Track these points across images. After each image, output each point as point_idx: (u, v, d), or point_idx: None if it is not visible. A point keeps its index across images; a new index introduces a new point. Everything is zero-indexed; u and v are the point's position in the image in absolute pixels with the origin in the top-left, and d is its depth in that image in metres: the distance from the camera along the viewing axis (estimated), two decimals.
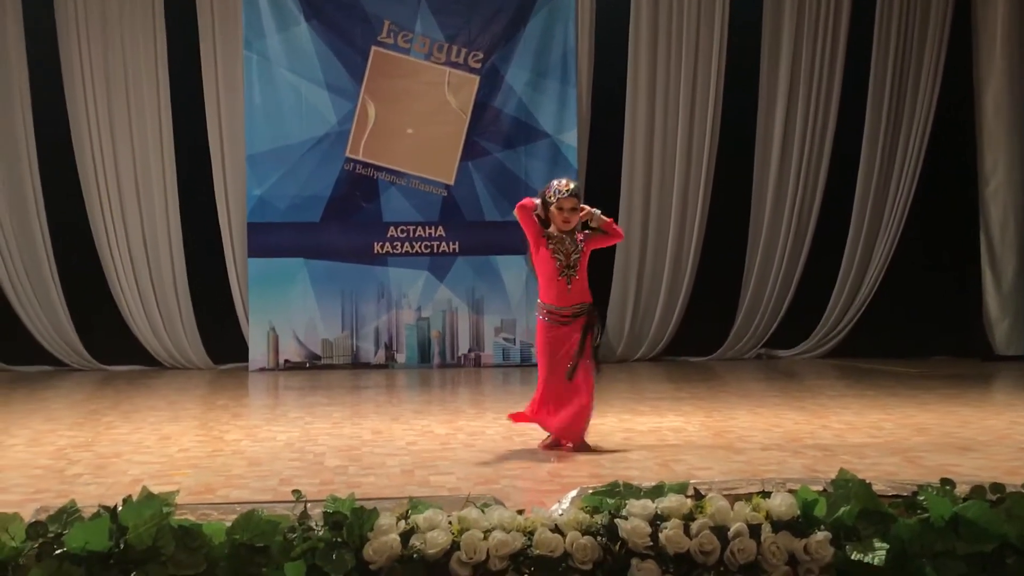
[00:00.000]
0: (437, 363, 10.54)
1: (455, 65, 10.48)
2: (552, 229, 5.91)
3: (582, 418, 5.87)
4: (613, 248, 10.70)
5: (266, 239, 10.29)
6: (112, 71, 10.20)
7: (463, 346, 10.57)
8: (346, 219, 10.41)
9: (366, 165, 10.42)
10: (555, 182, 5.95)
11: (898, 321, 10.89)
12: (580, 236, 5.93)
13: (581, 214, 5.89)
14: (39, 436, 6.51)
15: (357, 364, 10.42)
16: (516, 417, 6.09)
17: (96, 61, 10.16)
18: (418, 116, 10.48)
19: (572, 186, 5.89)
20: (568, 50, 10.54)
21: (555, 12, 10.50)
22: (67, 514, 3.32)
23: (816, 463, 5.50)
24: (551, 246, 5.88)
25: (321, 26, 10.30)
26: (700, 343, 10.92)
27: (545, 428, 5.97)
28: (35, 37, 10.13)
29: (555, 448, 5.91)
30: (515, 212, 5.93)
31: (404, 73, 10.43)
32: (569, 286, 5.88)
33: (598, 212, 5.92)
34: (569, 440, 5.92)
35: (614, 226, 6.00)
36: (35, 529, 3.24)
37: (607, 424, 6.83)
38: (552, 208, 5.87)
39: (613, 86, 10.72)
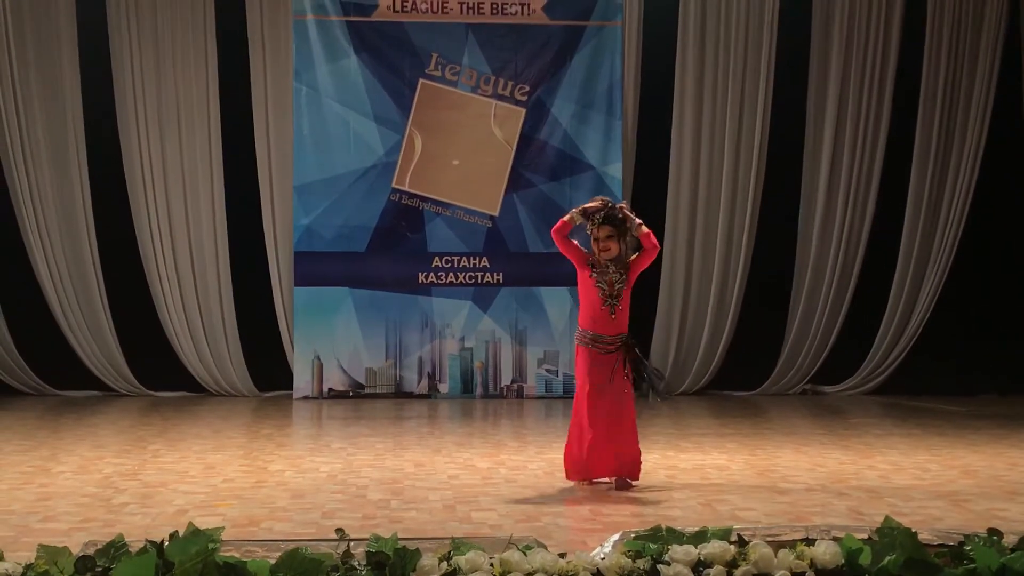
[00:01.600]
0: (480, 394, 10.55)
1: (501, 97, 10.55)
2: (595, 256, 5.86)
3: (637, 456, 5.85)
4: (657, 281, 10.72)
5: (312, 268, 10.38)
6: (164, 100, 10.36)
7: (506, 377, 10.58)
8: (391, 249, 10.49)
9: (412, 196, 10.50)
10: (590, 205, 5.86)
11: (946, 358, 10.76)
12: (627, 261, 5.85)
13: (628, 225, 5.79)
14: (87, 463, 6.60)
15: (400, 393, 10.46)
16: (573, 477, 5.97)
17: (149, 91, 10.33)
18: (464, 148, 10.55)
19: (602, 213, 5.77)
20: (614, 83, 10.57)
21: (601, 46, 10.55)
22: (114, 548, 3.37)
23: (861, 505, 5.45)
24: (595, 274, 5.82)
25: (370, 58, 10.42)
26: (745, 378, 10.86)
27: (600, 474, 5.86)
28: (89, 67, 10.31)
29: (624, 488, 5.82)
30: (554, 239, 5.90)
31: (451, 105, 10.52)
32: (613, 315, 5.83)
33: (636, 221, 5.85)
34: (624, 474, 5.83)
35: (650, 238, 5.85)
36: (83, 563, 3.30)
37: (650, 461, 6.79)
38: (591, 235, 5.85)
39: (659, 119, 10.73)
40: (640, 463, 5.91)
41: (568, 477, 5.94)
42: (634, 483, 5.85)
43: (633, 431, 5.87)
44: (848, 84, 10.75)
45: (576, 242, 5.96)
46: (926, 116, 10.82)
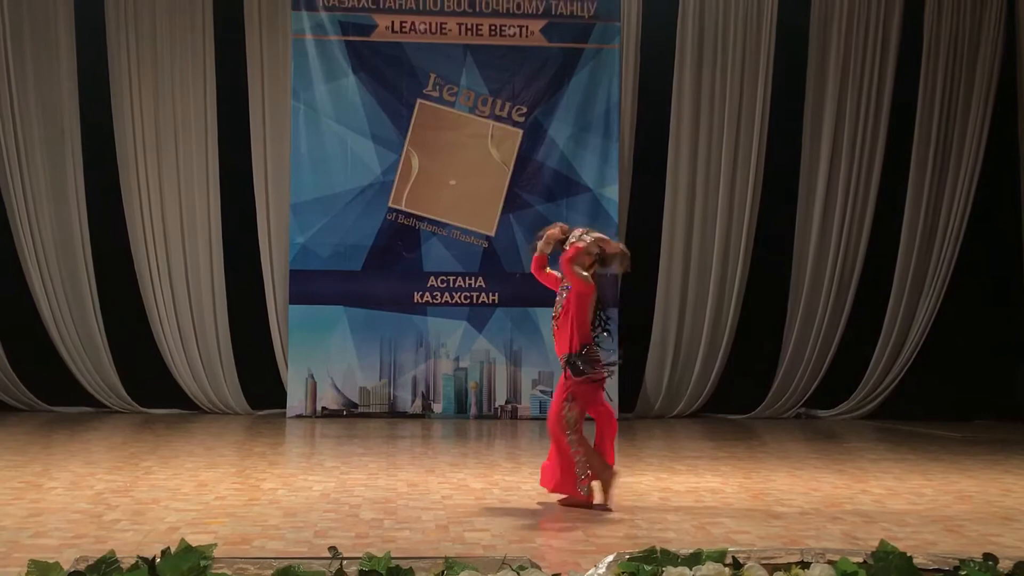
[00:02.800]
0: (474, 414, 10.53)
1: (499, 118, 10.57)
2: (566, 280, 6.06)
3: (568, 471, 5.88)
4: (653, 302, 10.73)
5: (308, 286, 10.37)
6: (162, 118, 10.37)
7: (500, 397, 10.56)
8: (387, 268, 10.49)
9: (408, 215, 10.51)
10: (551, 232, 6.19)
11: (940, 383, 10.77)
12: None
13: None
14: (79, 480, 6.57)
15: (394, 413, 10.44)
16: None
17: (147, 108, 10.34)
18: (461, 168, 10.56)
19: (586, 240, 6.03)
20: (611, 105, 10.61)
21: (599, 68, 10.59)
22: (106, 564, 3.35)
23: (855, 529, 5.43)
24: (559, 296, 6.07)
25: (368, 78, 10.44)
26: (739, 401, 10.85)
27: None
28: (87, 84, 10.32)
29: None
30: (535, 276, 6.18)
31: (448, 125, 10.54)
32: (554, 336, 6.04)
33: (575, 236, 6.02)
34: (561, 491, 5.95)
35: (566, 268, 5.98)
36: None
37: (644, 483, 6.79)
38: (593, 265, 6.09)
39: (655, 142, 10.76)
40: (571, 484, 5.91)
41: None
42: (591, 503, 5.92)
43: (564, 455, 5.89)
44: (844, 105, 10.79)
45: (552, 272, 6.15)
46: (922, 140, 10.86)
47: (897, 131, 10.87)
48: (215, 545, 3.41)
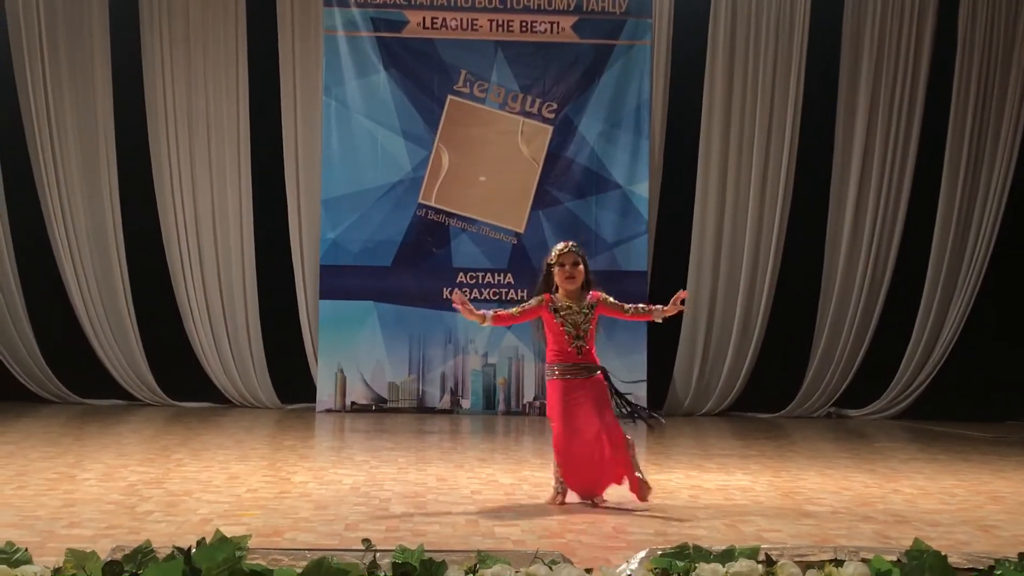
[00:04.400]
0: (502, 410, 10.55)
1: (529, 115, 10.58)
2: (560, 294, 5.87)
3: (605, 472, 5.81)
4: (683, 301, 10.67)
5: (338, 282, 10.42)
6: (194, 113, 10.45)
7: (528, 394, 10.57)
8: (417, 264, 10.51)
9: (438, 211, 10.53)
10: (555, 246, 5.98)
11: (972, 383, 10.69)
12: (589, 300, 5.86)
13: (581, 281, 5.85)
14: (111, 471, 6.62)
15: (422, 408, 10.47)
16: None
17: (179, 103, 10.42)
18: (491, 164, 10.58)
19: (571, 243, 5.92)
20: (642, 102, 10.59)
21: (630, 65, 10.57)
22: (142, 554, 3.38)
23: (887, 529, 5.40)
24: (559, 318, 5.83)
25: (399, 74, 10.47)
26: (769, 399, 10.81)
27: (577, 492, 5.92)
28: (121, 79, 10.42)
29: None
30: (518, 319, 5.94)
31: (478, 122, 10.55)
32: (580, 355, 5.84)
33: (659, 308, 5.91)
34: (621, 481, 5.86)
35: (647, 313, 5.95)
36: (111, 568, 3.31)
37: (674, 481, 6.78)
38: (555, 268, 5.88)
39: (686, 139, 10.73)
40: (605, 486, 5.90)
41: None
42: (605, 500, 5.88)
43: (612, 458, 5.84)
44: (877, 104, 10.73)
45: (520, 308, 5.92)
46: (955, 138, 10.77)
47: (930, 129, 10.79)
48: (250, 537, 3.43)
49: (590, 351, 5.87)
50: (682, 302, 5.88)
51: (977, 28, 10.74)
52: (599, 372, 5.85)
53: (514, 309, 5.96)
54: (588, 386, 5.83)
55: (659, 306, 5.97)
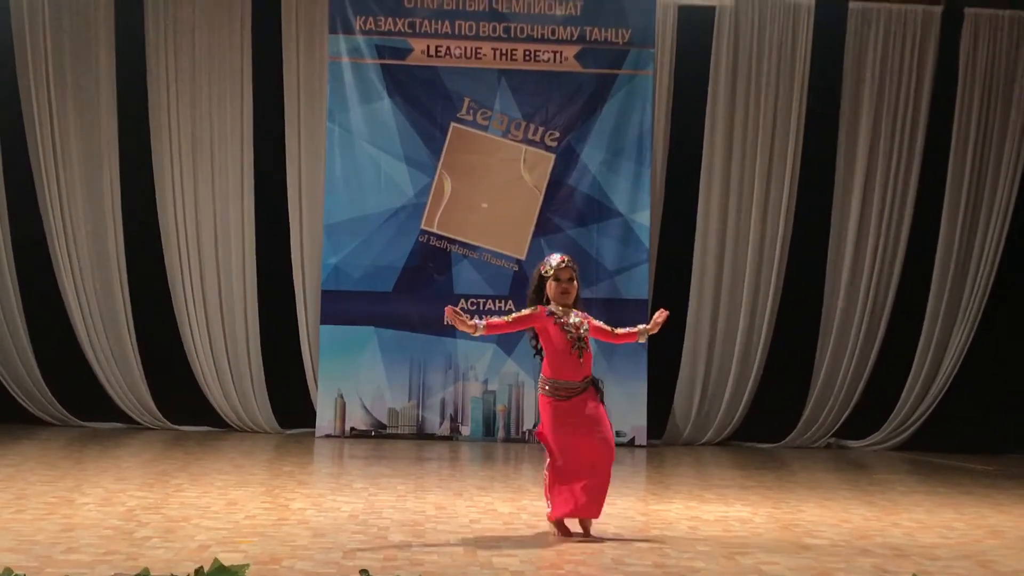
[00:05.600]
0: (501, 437, 10.53)
1: (531, 143, 10.62)
2: (553, 306, 5.82)
3: (602, 492, 5.73)
4: (683, 328, 10.71)
5: (339, 307, 10.43)
6: (199, 136, 10.49)
7: (528, 421, 10.56)
8: (418, 290, 10.53)
9: (440, 238, 10.56)
10: (550, 257, 5.92)
11: (972, 416, 10.67)
12: (581, 313, 5.84)
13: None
14: (110, 496, 6.61)
15: (422, 435, 10.46)
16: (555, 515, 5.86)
17: (184, 125, 10.46)
18: (493, 191, 10.61)
19: (567, 257, 5.88)
20: (644, 132, 10.63)
21: (633, 94, 10.62)
22: None
23: (886, 563, 5.39)
24: (559, 322, 5.77)
25: (403, 101, 10.52)
26: (769, 430, 10.80)
27: (568, 515, 5.79)
28: (125, 101, 10.46)
29: (567, 535, 5.76)
30: (512, 327, 5.86)
31: (481, 149, 10.60)
32: (580, 360, 5.77)
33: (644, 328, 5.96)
34: (587, 515, 5.75)
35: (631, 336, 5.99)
36: None
37: (673, 511, 6.76)
38: (549, 281, 5.82)
39: (688, 168, 10.77)
40: (601, 504, 5.77)
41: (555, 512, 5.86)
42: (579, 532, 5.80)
43: (605, 475, 5.77)
44: (879, 135, 10.77)
45: (514, 316, 5.86)
46: (956, 172, 10.82)
47: (931, 161, 10.83)
48: (248, 565, 3.43)
49: (590, 356, 5.79)
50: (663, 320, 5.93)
51: (978, 62, 10.80)
52: (591, 386, 5.77)
53: (507, 317, 5.89)
54: (579, 404, 5.73)
55: (643, 326, 6.03)
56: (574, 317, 5.81)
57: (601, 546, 5.62)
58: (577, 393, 5.77)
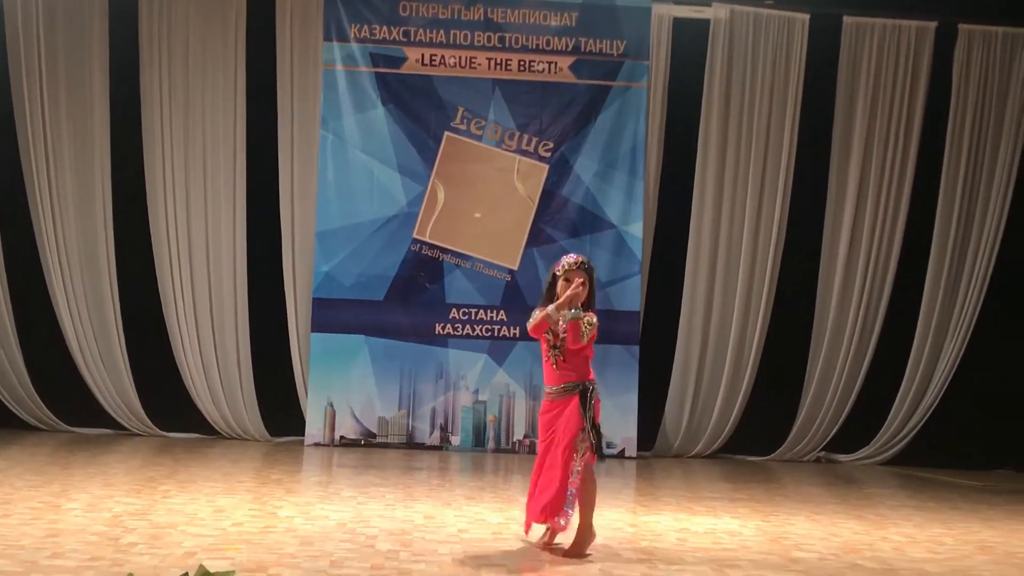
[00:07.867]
0: (491, 447, 10.51)
1: (525, 153, 10.62)
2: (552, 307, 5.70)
3: (559, 499, 5.50)
4: (674, 341, 10.71)
5: (330, 315, 10.41)
6: (191, 143, 10.47)
7: (518, 432, 10.53)
8: (409, 299, 10.51)
9: (432, 247, 10.54)
10: (566, 256, 5.85)
11: (962, 431, 10.69)
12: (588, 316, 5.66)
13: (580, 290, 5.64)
14: (97, 501, 6.58)
15: (412, 444, 10.43)
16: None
17: (176, 132, 10.44)
18: (486, 201, 10.61)
19: (583, 259, 5.79)
20: (638, 143, 10.64)
21: (626, 106, 10.63)
22: None
23: None
24: (548, 332, 5.70)
25: (397, 110, 10.52)
26: (759, 442, 10.80)
27: (528, 520, 5.73)
28: (118, 110, 10.43)
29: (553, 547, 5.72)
30: (532, 335, 5.74)
31: (475, 159, 10.59)
32: (556, 368, 5.69)
33: (572, 313, 5.62)
34: (544, 520, 5.60)
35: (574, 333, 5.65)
36: None
37: (662, 523, 6.75)
38: (560, 281, 5.74)
39: (681, 181, 10.78)
40: (560, 512, 5.55)
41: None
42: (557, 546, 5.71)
43: (561, 483, 5.57)
44: (871, 149, 10.80)
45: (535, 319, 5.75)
46: (948, 187, 10.85)
47: (923, 175, 10.86)
48: (234, 572, 3.41)
49: (570, 361, 5.64)
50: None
51: (972, 77, 10.84)
52: (576, 395, 5.65)
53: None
54: (556, 411, 5.67)
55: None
56: (561, 325, 5.68)
57: (589, 557, 5.60)
58: (553, 398, 5.71)
